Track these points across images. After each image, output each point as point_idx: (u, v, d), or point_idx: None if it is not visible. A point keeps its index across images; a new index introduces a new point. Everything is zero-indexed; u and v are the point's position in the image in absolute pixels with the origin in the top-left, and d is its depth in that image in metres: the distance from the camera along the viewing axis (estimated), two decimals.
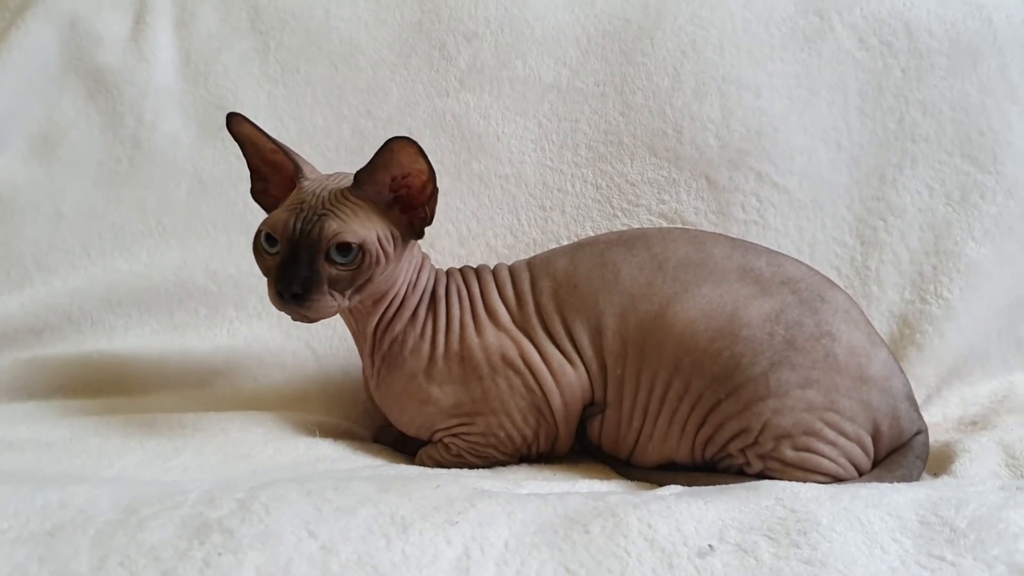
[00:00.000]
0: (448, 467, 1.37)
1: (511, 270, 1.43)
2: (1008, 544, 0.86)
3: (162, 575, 0.80)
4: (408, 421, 1.40)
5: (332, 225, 1.24)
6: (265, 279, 1.29)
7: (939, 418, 1.63)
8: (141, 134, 1.86)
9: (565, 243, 1.60)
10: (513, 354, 1.34)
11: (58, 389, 1.64)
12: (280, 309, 1.26)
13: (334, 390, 1.66)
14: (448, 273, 1.44)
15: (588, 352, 1.33)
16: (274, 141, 1.32)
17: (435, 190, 1.30)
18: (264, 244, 1.28)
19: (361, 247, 1.25)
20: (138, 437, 1.35)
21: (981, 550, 0.86)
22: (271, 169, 1.35)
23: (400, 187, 1.29)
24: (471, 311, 1.38)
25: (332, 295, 1.25)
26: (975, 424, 1.58)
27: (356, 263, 1.25)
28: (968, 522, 0.91)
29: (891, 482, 1.17)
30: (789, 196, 1.77)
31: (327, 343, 1.72)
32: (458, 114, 1.85)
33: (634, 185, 1.80)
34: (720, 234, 1.41)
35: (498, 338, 1.35)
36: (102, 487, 0.97)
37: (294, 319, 1.28)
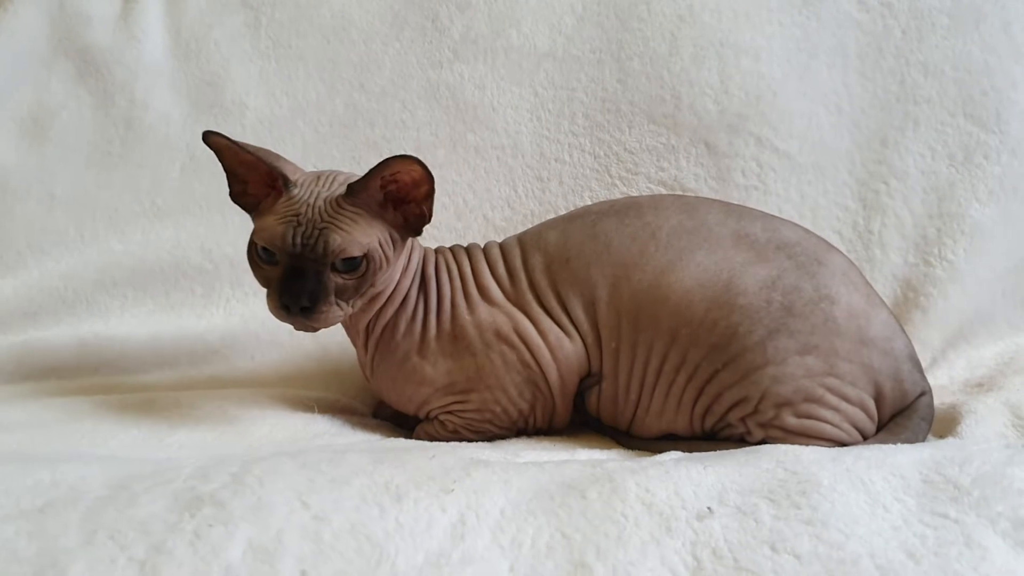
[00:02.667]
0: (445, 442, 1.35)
1: (502, 247, 1.41)
2: (1012, 500, 0.85)
3: (151, 548, 0.79)
4: (406, 401, 1.39)
5: (336, 239, 1.21)
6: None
7: (945, 381, 1.61)
8: (133, 113, 1.85)
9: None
10: (507, 329, 1.32)
11: (53, 371, 1.64)
12: (284, 321, 1.24)
13: (331, 366, 1.65)
14: (437, 251, 1.41)
15: (584, 325, 1.32)
16: (252, 151, 1.26)
17: (432, 191, 1.26)
18: (260, 255, 1.25)
19: (366, 257, 1.23)
20: (133, 416, 1.34)
21: (985, 507, 0.85)
22: (247, 169, 1.29)
23: (388, 183, 1.24)
24: (462, 290, 1.36)
25: (339, 304, 1.23)
26: (981, 386, 1.56)
27: (361, 272, 1.23)
28: (972, 479, 0.90)
29: (896, 444, 1.15)
30: (790, 161, 1.74)
31: None
32: (452, 85, 1.83)
33: (632, 153, 1.77)
34: (715, 200, 1.39)
35: (491, 314, 1.33)
36: (94, 464, 0.96)
37: (297, 329, 1.26)
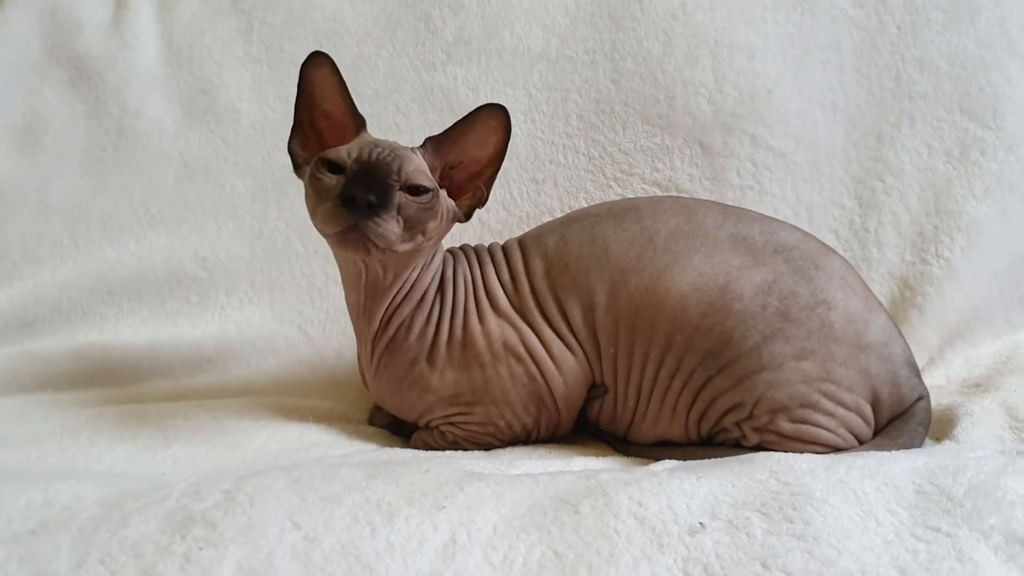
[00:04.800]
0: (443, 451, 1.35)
1: (504, 250, 1.40)
2: (1005, 512, 0.85)
3: (142, 572, 0.79)
4: (408, 408, 1.38)
5: (411, 165, 1.23)
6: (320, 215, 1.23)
7: (942, 380, 1.61)
8: (125, 121, 1.85)
9: (559, 216, 1.57)
10: (515, 341, 1.32)
11: (49, 382, 1.64)
12: (336, 224, 1.19)
13: (327, 373, 1.65)
14: (454, 254, 1.41)
15: (583, 333, 1.31)
16: (344, 92, 1.28)
17: (497, 168, 1.30)
18: (324, 170, 1.23)
19: (432, 192, 1.24)
20: (129, 429, 1.34)
21: (977, 520, 0.84)
22: (320, 121, 1.30)
23: (444, 177, 1.29)
24: (474, 296, 1.35)
25: (398, 220, 1.21)
26: (978, 386, 1.56)
27: (427, 203, 1.23)
28: (965, 490, 0.89)
29: (892, 450, 1.14)
30: (785, 160, 1.74)
31: (320, 326, 1.72)
32: (446, 88, 1.82)
33: (627, 154, 1.77)
34: (712, 202, 1.38)
35: (499, 325, 1.33)
36: (88, 483, 0.96)
37: (348, 247, 1.22)
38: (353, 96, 1.60)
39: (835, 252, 1.33)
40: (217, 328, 1.73)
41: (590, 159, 1.78)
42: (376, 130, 1.78)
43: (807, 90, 1.76)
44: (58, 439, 1.30)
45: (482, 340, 1.32)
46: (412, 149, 1.27)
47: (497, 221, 1.77)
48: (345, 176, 1.21)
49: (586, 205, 1.70)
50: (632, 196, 1.73)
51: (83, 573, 0.79)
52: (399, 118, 1.82)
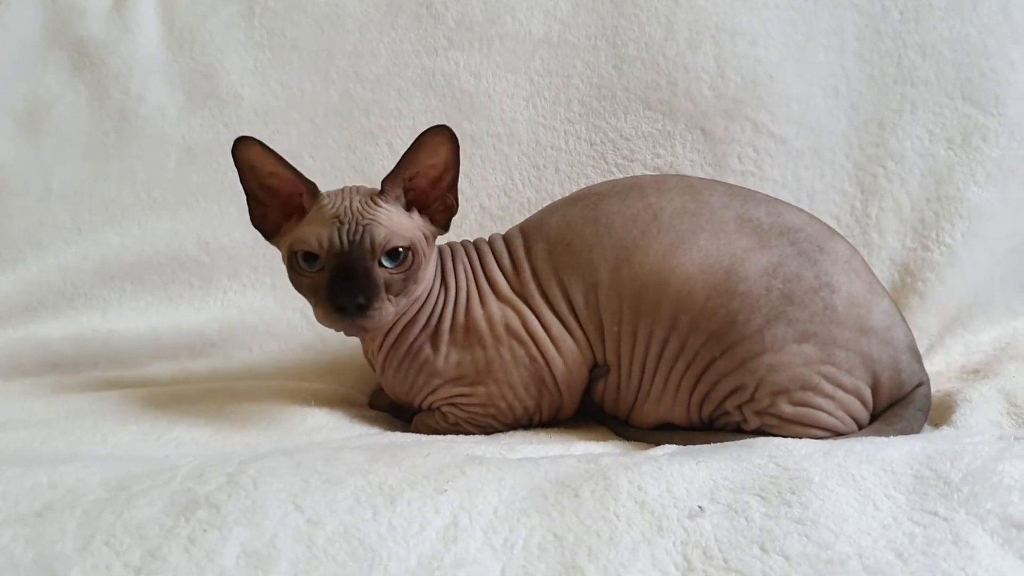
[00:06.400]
0: (444, 434, 1.35)
1: (506, 239, 1.41)
2: (1001, 497, 0.85)
3: (147, 553, 0.80)
4: (415, 392, 1.39)
5: (382, 231, 1.23)
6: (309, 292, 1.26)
7: (942, 366, 1.62)
8: (127, 106, 1.85)
9: None
10: (516, 323, 1.33)
11: (52, 366, 1.65)
12: (335, 326, 1.24)
13: (329, 357, 1.66)
14: (452, 248, 1.42)
15: (584, 312, 1.31)
16: (283, 162, 1.27)
17: (456, 177, 1.29)
18: (302, 264, 1.25)
19: (410, 248, 1.25)
20: (132, 412, 1.35)
21: (974, 504, 0.85)
22: (267, 193, 1.29)
23: (408, 189, 1.28)
24: (475, 283, 1.36)
25: (390, 300, 1.24)
26: (977, 372, 1.56)
27: (407, 265, 1.25)
28: (962, 475, 0.90)
29: (891, 435, 1.15)
30: (786, 145, 1.74)
31: None
32: (448, 73, 1.82)
33: (628, 140, 1.77)
34: (719, 181, 1.38)
35: (501, 308, 1.34)
36: (93, 465, 0.97)
37: (349, 334, 1.28)
38: (355, 81, 1.61)
39: (840, 235, 1.34)
40: (219, 312, 1.74)
41: (592, 145, 1.78)
42: (378, 116, 1.81)
43: (809, 75, 1.76)
44: (62, 423, 1.30)
45: (484, 323, 1.33)
46: (371, 197, 1.26)
47: (499, 207, 1.77)
48: (325, 270, 1.23)
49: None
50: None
51: (88, 555, 0.80)
52: (401, 103, 1.81)
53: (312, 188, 1.27)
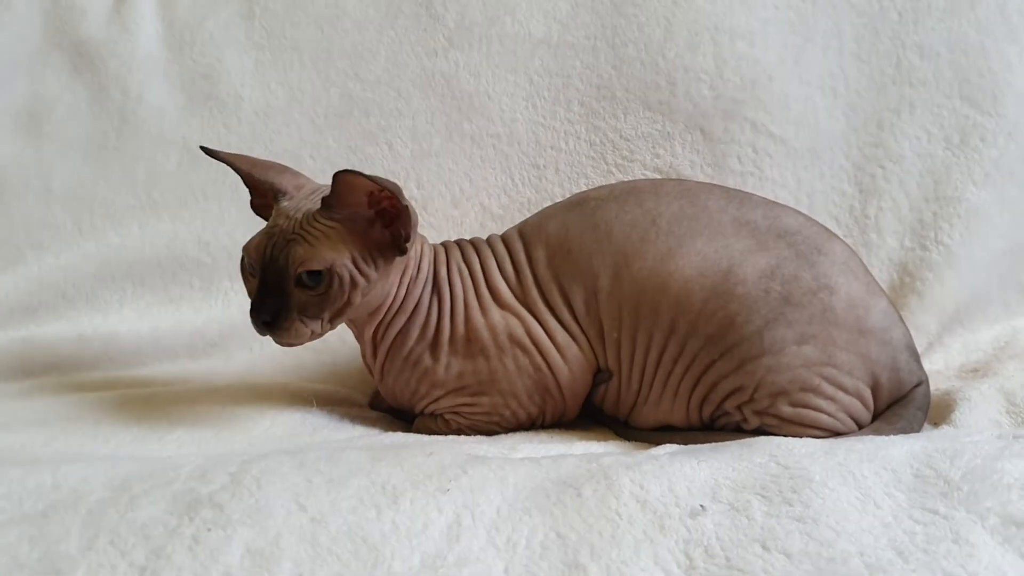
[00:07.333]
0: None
1: (505, 242, 1.39)
2: (1001, 495, 0.86)
3: (151, 553, 0.80)
4: (417, 400, 1.38)
5: (298, 252, 1.20)
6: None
7: (940, 366, 1.62)
8: (128, 106, 1.85)
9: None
10: (520, 332, 1.32)
11: (54, 367, 1.65)
12: (260, 334, 1.24)
13: (329, 357, 1.66)
14: (447, 249, 1.40)
15: (586, 319, 1.31)
16: (251, 164, 1.28)
17: (404, 207, 1.21)
18: (247, 267, 1.26)
19: (329, 272, 1.21)
20: (134, 414, 1.34)
21: (974, 502, 0.86)
22: (253, 192, 1.33)
23: (380, 200, 1.23)
24: (474, 290, 1.35)
25: (303, 321, 1.22)
26: (976, 371, 1.57)
27: (324, 288, 1.21)
28: (962, 474, 0.90)
29: (891, 435, 1.16)
30: (785, 146, 1.74)
31: None
32: (447, 73, 1.82)
33: (628, 140, 1.77)
34: (715, 185, 1.38)
35: (504, 317, 1.33)
36: (96, 465, 0.97)
37: (276, 342, 1.26)
38: (355, 82, 1.61)
39: (837, 237, 1.34)
40: (220, 313, 1.74)
41: (591, 145, 1.78)
42: (378, 116, 1.81)
43: (808, 76, 1.76)
44: (63, 423, 1.30)
45: (487, 333, 1.32)
46: (314, 215, 1.22)
47: (499, 207, 1.78)
48: (256, 281, 1.24)
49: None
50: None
51: (93, 554, 0.80)
52: (401, 104, 1.82)
53: (276, 193, 1.28)
